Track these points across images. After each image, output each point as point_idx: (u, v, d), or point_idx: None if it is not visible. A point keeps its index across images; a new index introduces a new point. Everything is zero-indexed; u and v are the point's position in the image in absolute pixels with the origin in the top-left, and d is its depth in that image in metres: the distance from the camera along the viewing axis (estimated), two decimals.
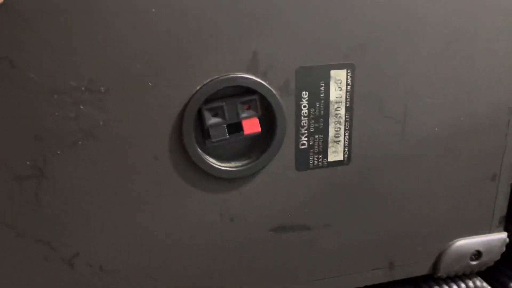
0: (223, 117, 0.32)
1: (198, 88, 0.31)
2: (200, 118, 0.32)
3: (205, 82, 0.31)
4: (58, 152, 0.30)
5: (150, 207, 0.33)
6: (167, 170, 0.32)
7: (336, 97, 0.34)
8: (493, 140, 0.39)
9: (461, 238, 0.41)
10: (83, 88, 0.29)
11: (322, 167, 0.35)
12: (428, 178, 0.38)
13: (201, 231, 0.34)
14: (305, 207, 0.36)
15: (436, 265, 0.41)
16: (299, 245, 0.36)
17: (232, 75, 0.31)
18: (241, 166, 0.33)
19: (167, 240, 0.34)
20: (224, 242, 0.35)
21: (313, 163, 0.35)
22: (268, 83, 0.32)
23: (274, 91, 0.32)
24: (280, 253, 0.36)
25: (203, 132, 0.32)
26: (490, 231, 0.42)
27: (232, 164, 0.33)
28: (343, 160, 0.36)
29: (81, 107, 0.29)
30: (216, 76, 0.31)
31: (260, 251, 0.36)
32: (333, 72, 0.33)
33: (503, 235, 0.43)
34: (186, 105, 0.31)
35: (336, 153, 0.35)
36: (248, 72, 0.31)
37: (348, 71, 0.34)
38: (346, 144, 0.35)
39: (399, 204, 0.38)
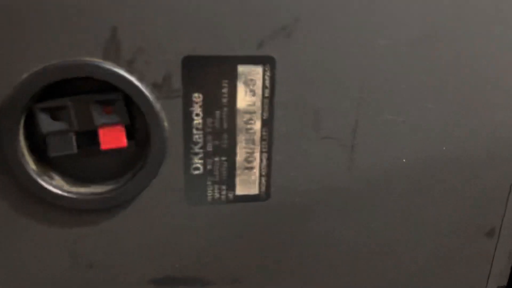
0: (69, 121, 0.22)
1: (23, 77, 0.21)
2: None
3: (34, 70, 0.21)
4: None
5: None
6: None
7: (247, 105, 0.23)
8: (490, 179, 0.27)
9: None
10: None
11: (226, 201, 0.25)
12: (386, 228, 0.27)
13: (52, 276, 0.25)
14: (203, 255, 0.26)
15: None
16: None
17: (79, 60, 0.21)
18: (103, 192, 0.23)
19: (9, 281, 0.25)
20: None
21: (213, 195, 0.25)
22: (136, 77, 0.22)
23: (144, 90, 0.22)
24: None
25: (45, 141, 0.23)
26: None
27: (91, 188, 0.23)
28: (259, 194, 0.25)
29: None
30: (53, 62, 0.21)
31: None
32: (242, 68, 0.23)
33: None
34: (5, 103, 0.21)
35: (248, 184, 0.25)
36: (104, 57, 0.21)
37: (266, 67, 0.23)
38: (263, 173, 0.25)
39: (341, 260, 0.27)
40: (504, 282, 0.29)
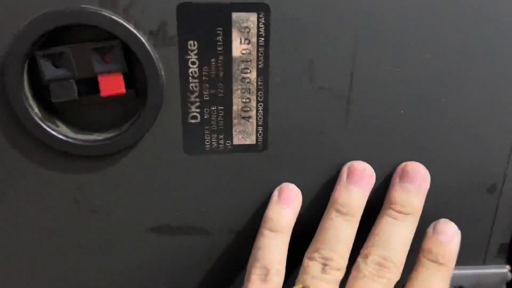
0: (70, 68, 0.23)
1: (24, 24, 0.22)
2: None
3: (33, 17, 0.22)
4: None
5: None
6: None
7: (242, 53, 0.24)
8: (492, 133, 0.26)
9: None
10: None
11: (224, 151, 0.25)
12: (382, 183, 0.27)
13: (56, 221, 0.26)
14: (201, 204, 0.26)
15: None
16: (191, 253, 0.27)
17: (76, 7, 0.22)
18: (104, 139, 0.24)
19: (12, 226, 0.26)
20: (86, 240, 0.26)
21: (211, 145, 0.25)
22: (132, 25, 0.22)
23: (141, 37, 0.22)
24: (162, 261, 0.27)
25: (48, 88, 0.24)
26: (484, 262, 0.30)
27: (94, 135, 0.25)
28: (256, 144, 0.25)
29: None
30: (50, 9, 0.22)
31: (133, 257, 0.27)
32: (236, 16, 0.23)
33: (503, 269, 0.30)
34: (8, 50, 0.22)
35: (245, 134, 0.25)
36: (100, 5, 0.22)
37: (260, 14, 0.23)
38: (259, 123, 0.25)
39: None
40: (507, 239, 0.29)
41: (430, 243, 0.26)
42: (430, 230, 0.26)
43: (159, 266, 0.27)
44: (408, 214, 0.25)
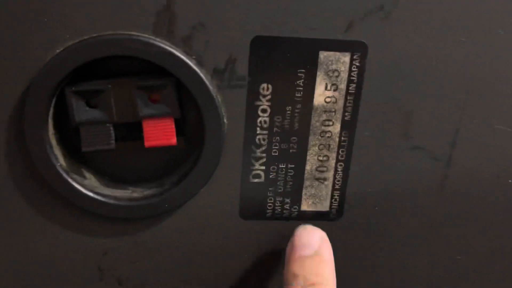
0: (108, 110, 0.18)
1: (55, 53, 0.17)
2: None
3: (68, 44, 0.17)
4: None
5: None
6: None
7: (326, 102, 0.19)
8: None
9: None
10: None
11: (289, 218, 0.20)
12: (472, 263, 0.22)
13: None
14: (254, 280, 0.22)
15: None
16: None
17: (123, 35, 0.17)
18: (141, 198, 0.19)
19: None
20: None
21: (274, 210, 0.20)
22: (194, 59, 0.18)
23: (203, 76, 0.18)
24: None
25: (78, 133, 0.19)
26: None
27: (129, 191, 0.19)
28: (329, 211, 0.21)
29: None
30: (90, 35, 0.17)
31: None
32: (324, 55, 0.18)
33: None
34: (30, 84, 0.17)
35: (316, 199, 0.20)
36: (154, 33, 0.17)
37: (355, 55, 0.18)
38: (336, 186, 0.20)
39: None
40: None
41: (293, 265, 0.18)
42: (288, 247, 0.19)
43: None
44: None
